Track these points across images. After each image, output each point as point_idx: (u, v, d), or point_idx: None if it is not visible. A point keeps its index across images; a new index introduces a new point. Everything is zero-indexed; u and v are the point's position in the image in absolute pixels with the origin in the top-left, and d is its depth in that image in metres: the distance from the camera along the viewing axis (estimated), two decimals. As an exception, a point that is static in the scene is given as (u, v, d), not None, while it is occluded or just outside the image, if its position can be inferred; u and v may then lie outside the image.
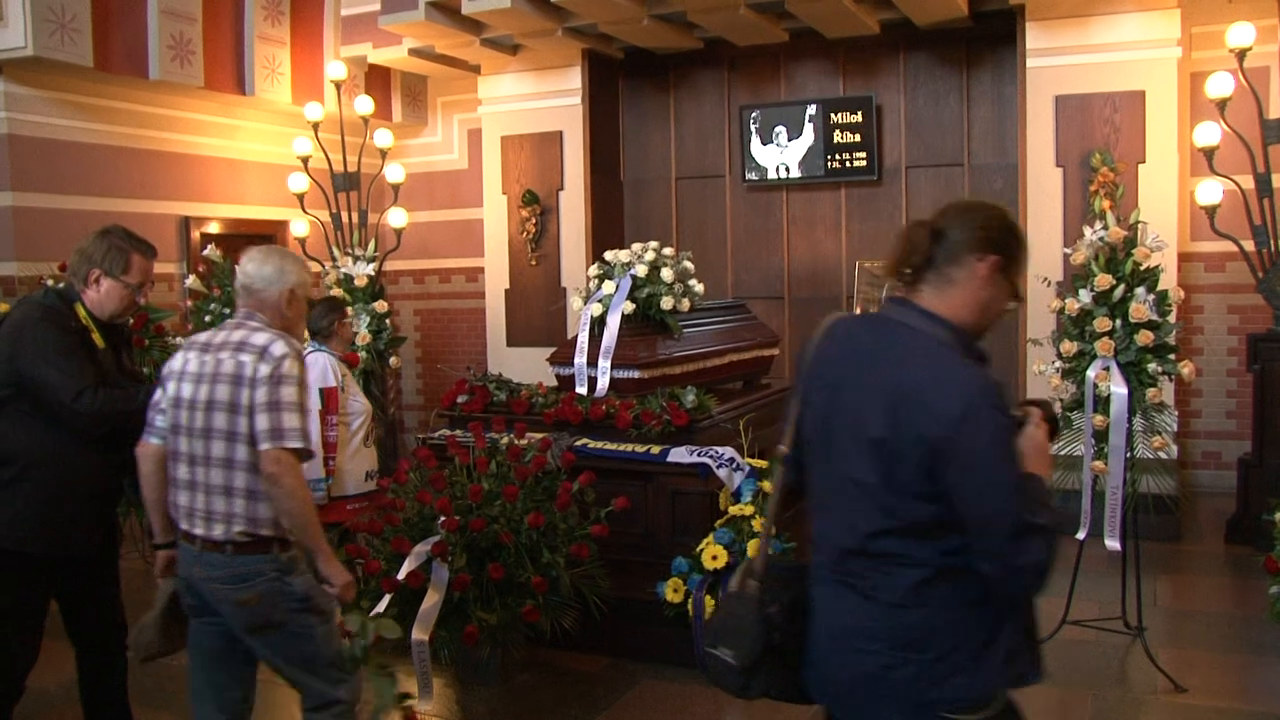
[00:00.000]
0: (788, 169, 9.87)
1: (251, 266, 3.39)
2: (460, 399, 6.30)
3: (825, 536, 2.44)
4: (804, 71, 10.04)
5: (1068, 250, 7.45)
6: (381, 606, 5.29)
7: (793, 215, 10.11)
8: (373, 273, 8.59)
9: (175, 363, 3.37)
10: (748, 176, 10.05)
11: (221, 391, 3.23)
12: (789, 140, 9.81)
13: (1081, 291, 5.65)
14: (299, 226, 8.85)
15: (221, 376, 3.24)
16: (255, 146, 9.88)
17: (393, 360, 8.79)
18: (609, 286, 6.57)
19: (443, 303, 11.39)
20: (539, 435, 5.58)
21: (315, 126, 8.82)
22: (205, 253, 7.87)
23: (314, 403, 5.41)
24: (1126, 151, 8.09)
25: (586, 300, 6.65)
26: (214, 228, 9.39)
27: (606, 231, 10.26)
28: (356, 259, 8.67)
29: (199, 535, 3.29)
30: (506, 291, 10.44)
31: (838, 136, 9.61)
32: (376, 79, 10.53)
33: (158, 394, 3.43)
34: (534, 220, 10.21)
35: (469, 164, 11.14)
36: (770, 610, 2.45)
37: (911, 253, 2.41)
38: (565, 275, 10.10)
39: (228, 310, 7.46)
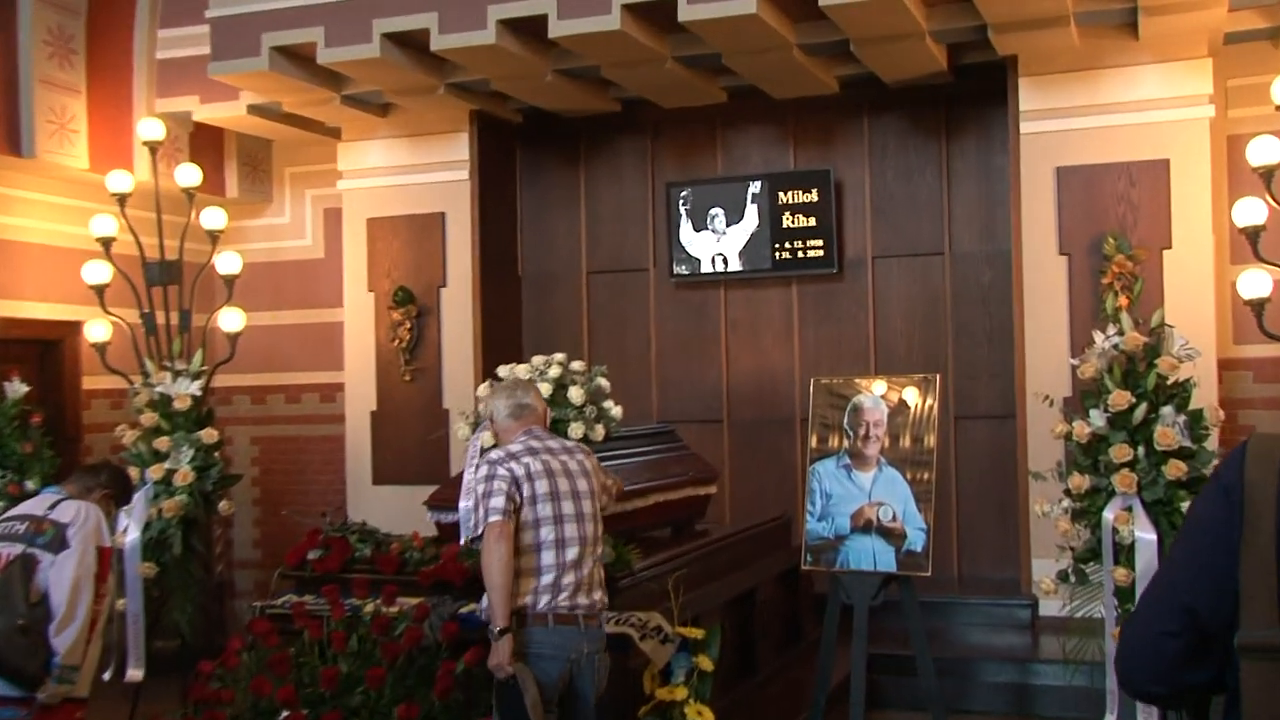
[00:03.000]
0: (726, 260, 10.01)
1: (520, 394, 5.25)
2: (311, 555, 6.23)
3: None
4: (746, 140, 10.26)
5: (1075, 361, 7.60)
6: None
7: (733, 319, 10.23)
8: (198, 392, 8.43)
9: (532, 465, 4.92)
10: (676, 270, 10.17)
11: (589, 483, 5.08)
12: (727, 225, 9.96)
13: (1093, 412, 5.74)
14: (97, 330, 8.58)
15: (584, 472, 5.09)
16: (36, 224, 9.60)
17: (222, 505, 8.56)
18: (503, 409, 6.56)
19: (290, 428, 11.26)
20: (413, 601, 5.51)
21: (121, 201, 8.69)
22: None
23: (92, 563, 5.23)
24: (1147, 235, 8.29)
25: (475, 427, 6.61)
26: (-24, 333, 9.13)
27: (500, 339, 10.29)
28: (176, 374, 8.48)
29: (583, 605, 4.85)
30: (373, 414, 10.39)
31: (787, 220, 9.78)
32: (205, 142, 10.49)
33: (506, 485, 4.80)
34: (408, 324, 10.21)
35: (325, 252, 11.12)
36: None
37: None
38: (448, 395, 10.09)
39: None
